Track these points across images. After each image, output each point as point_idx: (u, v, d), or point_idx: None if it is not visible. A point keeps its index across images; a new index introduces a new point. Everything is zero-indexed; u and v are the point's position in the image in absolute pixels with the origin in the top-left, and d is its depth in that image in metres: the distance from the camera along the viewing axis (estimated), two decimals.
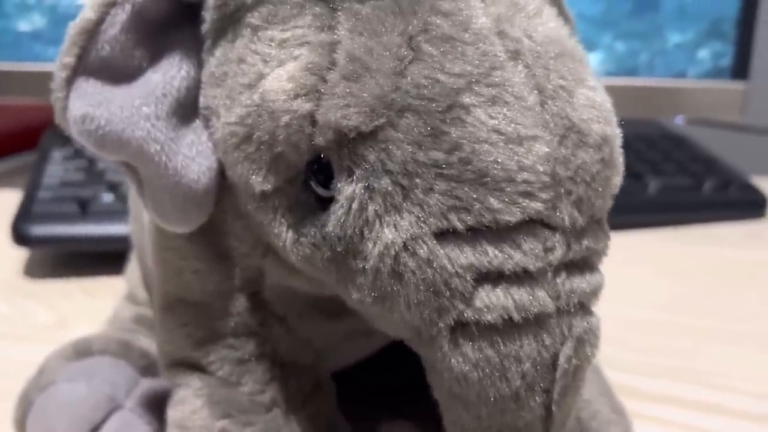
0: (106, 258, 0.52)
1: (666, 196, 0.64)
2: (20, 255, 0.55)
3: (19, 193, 0.59)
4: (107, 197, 0.55)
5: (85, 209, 0.54)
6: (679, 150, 0.72)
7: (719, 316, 0.50)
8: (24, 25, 0.61)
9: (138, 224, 0.37)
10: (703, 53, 0.67)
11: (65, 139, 0.64)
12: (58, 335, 0.46)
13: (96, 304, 0.49)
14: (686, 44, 0.66)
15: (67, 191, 0.56)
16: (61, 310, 0.49)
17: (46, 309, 0.49)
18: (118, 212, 0.53)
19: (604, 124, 0.23)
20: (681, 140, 0.74)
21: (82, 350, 0.36)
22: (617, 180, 0.24)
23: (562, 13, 0.27)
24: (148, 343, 0.37)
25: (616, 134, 0.24)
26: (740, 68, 0.67)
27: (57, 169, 0.60)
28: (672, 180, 0.65)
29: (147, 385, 0.35)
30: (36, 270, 0.54)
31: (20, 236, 0.53)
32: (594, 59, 0.66)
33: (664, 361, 0.45)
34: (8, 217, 0.55)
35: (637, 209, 0.63)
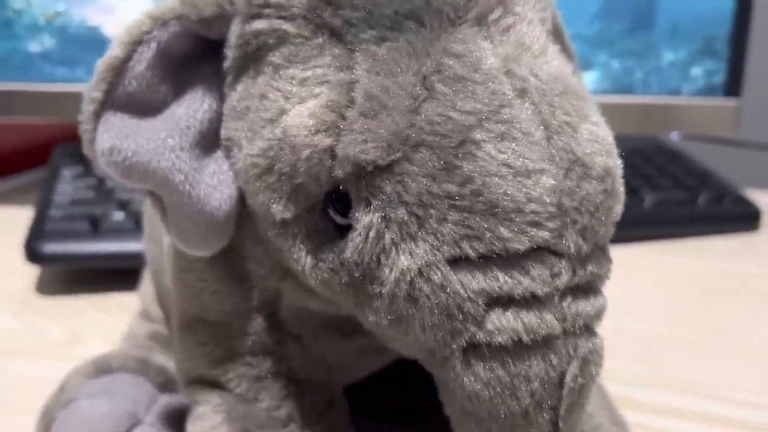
0: (117, 275, 0.53)
1: (661, 209, 0.65)
2: (32, 272, 0.56)
3: (29, 209, 0.60)
4: (118, 215, 0.56)
5: (96, 227, 0.55)
6: (673, 164, 0.73)
7: (715, 328, 0.51)
8: (34, 46, 0.62)
9: (154, 245, 0.38)
10: (697, 71, 0.68)
11: (75, 158, 0.65)
12: (69, 351, 0.47)
13: (107, 320, 0.50)
14: (680, 62, 0.68)
15: (78, 209, 0.57)
16: (72, 326, 0.50)
17: (58, 325, 0.50)
18: (129, 230, 0.54)
19: (607, 156, 0.25)
20: (676, 155, 0.76)
21: (101, 367, 0.37)
22: (619, 208, 0.25)
23: (564, 48, 0.28)
24: (164, 359, 0.39)
25: (618, 166, 0.25)
26: (733, 85, 0.68)
27: (67, 187, 0.61)
28: (667, 194, 0.67)
29: (165, 400, 0.36)
30: (48, 287, 0.55)
31: (33, 254, 0.54)
32: (590, 78, 0.67)
33: (662, 372, 0.46)
34: (19, 234, 0.56)
35: (633, 223, 0.64)
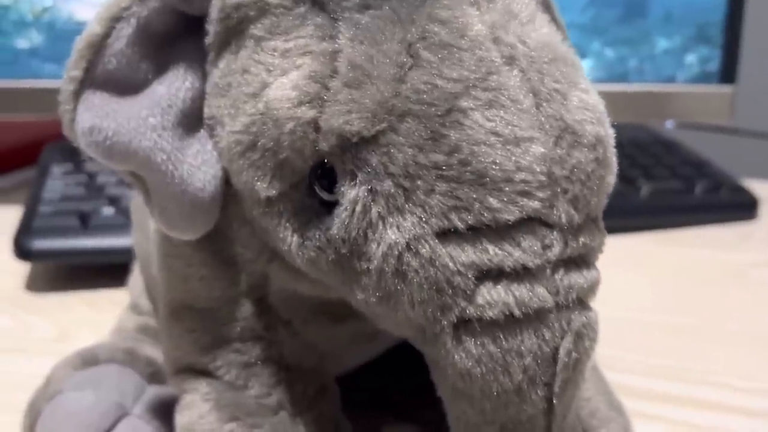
0: (107, 270, 0.52)
1: (658, 199, 0.65)
2: (22, 269, 0.55)
3: (20, 208, 0.59)
4: (107, 211, 0.56)
5: (85, 223, 0.55)
6: (670, 154, 0.73)
7: (711, 317, 0.51)
8: (22, 43, 0.61)
9: (142, 234, 0.38)
10: (691, 58, 0.68)
11: (65, 155, 0.65)
12: (60, 348, 0.46)
13: (98, 316, 0.49)
14: (674, 49, 0.67)
15: (68, 205, 0.57)
16: (63, 322, 0.49)
17: (49, 322, 0.49)
18: (119, 225, 0.54)
19: (598, 125, 0.24)
20: (672, 144, 0.75)
21: (88, 359, 0.36)
22: (611, 179, 0.25)
23: (554, 19, 0.28)
24: (153, 351, 0.38)
25: (610, 134, 0.25)
26: (728, 72, 0.68)
27: (57, 183, 0.61)
28: (663, 183, 0.66)
29: (154, 391, 0.35)
30: (38, 284, 0.54)
31: (22, 250, 0.53)
32: (584, 66, 0.66)
33: (659, 360, 0.45)
34: (10, 232, 0.55)
35: (629, 213, 0.64)
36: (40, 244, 0.53)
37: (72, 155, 0.65)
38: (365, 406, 0.36)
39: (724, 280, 0.56)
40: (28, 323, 0.49)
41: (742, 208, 0.67)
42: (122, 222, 0.54)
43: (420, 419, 0.37)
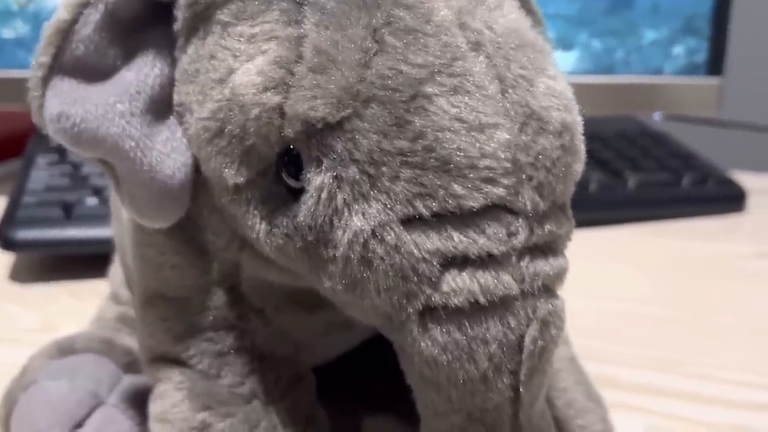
0: (91, 261, 0.52)
1: (645, 191, 0.65)
2: (6, 260, 0.55)
3: (5, 199, 0.59)
4: (91, 201, 0.56)
5: (69, 213, 0.54)
6: (657, 146, 0.73)
7: (699, 308, 0.51)
8: (7, 32, 0.61)
9: (119, 224, 0.38)
10: (678, 49, 0.67)
11: (50, 145, 0.65)
12: (44, 338, 0.45)
13: (82, 306, 0.49)
14: (661, 41, 0.67)
15: (52, 196, 0.57)
16: (47, 313, 0.49)
17: (32, 313, 0.49)
18: (103, 216, 0.53)
19: (564, 111, 0.24)
20: (659, 137, 0.75)
21: (65, 348, 0.36)
22: (578, 167, 0.25)
23: (524, 5, 0.27)
24: (131, 341, 0.38)
25: (577, 122, 0.24)
26: (715, 64, 0.68)
27: (42, 174, 0.60)
28: (651, 176, 0.66)
29: (130, 381, 0.35)
30: (21, 274, 0.54)
31: (5, 241, 0.53)
32: (571, 57, 0.66)
33: (645, 352, 0.45)
34: None
35: (616, 205, 0.64)
36: (24, 234, 0.53)
37: (57, 146, 0.65)
38: (342, 397, 0.36)
39: (712, 272, 0.56)
40: (11, 314, 0.49)
41: (730, 200, 0.67)
42: (106, 212, 0.53)
43: (398, 410, 0.37)
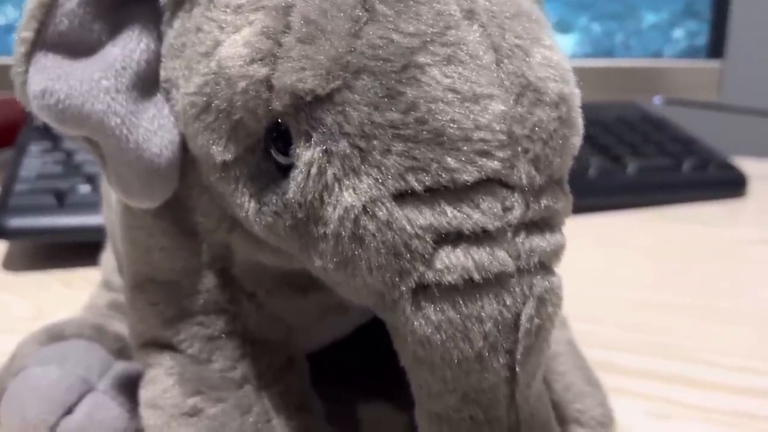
0: (83, 249, 0.52)
1: (645, 177, 0.64)
2: None
3: None
4: (84, 189, 0.55)
5: (62, 201, 0.54)
6: (658, 131, 0.72)
7: (699, 293, 0.50)
8: None
9: (109, 208, 0.37)
10: (679, 33, 0.67)
11: (43, 133, 0.64)
12: (36, 326, 0.45)
13: (74, 294, 0.48)
14: (662, 24, 0.66)
15: (45, 183, 0.56)
16: (39, 301, 0.49)
17: (25, 301, 0.49)
18: (95, 203, 0.53)
19: (561, 82, 0.23)
20: (660, 122, 0.75)
21: (55, 335, 0.36)
22: (576, 140, 0.24)
23: None
24: (122, 327, 0.37)
25: (575, 93, 0.24)
26: (716, 47, 0.67)
27: (34, 162, 0.60)
28: (651, 161, 0.66)
29: (120, 367, 0.34)
30: (14, 262, 0.54)
31: None
32: (570, 41, 0.66)
33: (645, 337, 0.45)
34: None
35: (617, 190, 0.63)
36: (17, 222, 0.52)
37: (50, 133, 0.64)
38: (336, 381, 0.35)
39: (713, 258, 0.56)
40: (4, 302, 0.49)
41: (731, 185, 0.66)
42: (99, 200, 0.53)
43: (394, 397, 0.37)
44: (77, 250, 0.53)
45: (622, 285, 0.51)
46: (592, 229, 0.56)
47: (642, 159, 0.65)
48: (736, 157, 0.70)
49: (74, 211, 0.53)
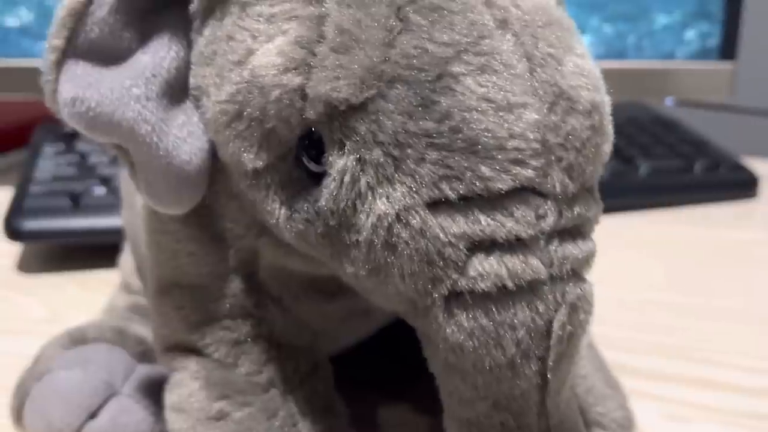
0: (98, 251, 0.52)
1: (657, 178, 0.64)
2: (13, 250, 0.55)
3: (12, 189, 0.59)
4: (99, 191, 0.55)
5: (77, 203, 0.54)
6: (669, 133, 0.72)
7: (711, 295, 0.50)
8: (11, 21, 0.60)
9: (131, 212, 0.37)
10: (691, 34, 0.67)
11: (57, 135, 0.64)
12: (52, 329, 0.45)
13: (89, 296, 0.49)
14: (673, 25, 0.66)
15: (59, 185, 0.56)
16: (54, 304, 0.49)
17: (40, 303, 0.49)
18: (110, 205, 0.53)
19: (594, 91, 0.23)
20: (671, 123, 0.75)
21: (77, 338, 0.36)
22: (607, 147, 0.24)
23: None
24: (143, 330, 0.37)
25: (606, 101, 0.24)
26: (728, 48, 0.67)
27: (49, 163, 0.60)
28: (663, 162, 0.66)
29: (144, 370, 0.34)
30: (29, 264, 0.54)
31: (13, 231, 0.52)
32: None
33: (658, 338, 0.45)
34: (1, 213, 0.54)
35: (628, 192, 0.63)
36: (31, 224, 0.52)
37: (65, 135, 0.64)
38: (359, 384, 0.35)
39: (724, 259, 0.56)
40: (19, 304, 0.49)
41: (742, 186, 0.66)
42: (114, 202, 0.53)
43: (415, 398, 0.37)
44: (92, 252, 0.53)
45: (634, 286, 0.51)
46: (604, 231, 0.56)
47: (654, 160, 0.66)
48: (747, 158, 0.70)
49: (89, 213, 0.53)
